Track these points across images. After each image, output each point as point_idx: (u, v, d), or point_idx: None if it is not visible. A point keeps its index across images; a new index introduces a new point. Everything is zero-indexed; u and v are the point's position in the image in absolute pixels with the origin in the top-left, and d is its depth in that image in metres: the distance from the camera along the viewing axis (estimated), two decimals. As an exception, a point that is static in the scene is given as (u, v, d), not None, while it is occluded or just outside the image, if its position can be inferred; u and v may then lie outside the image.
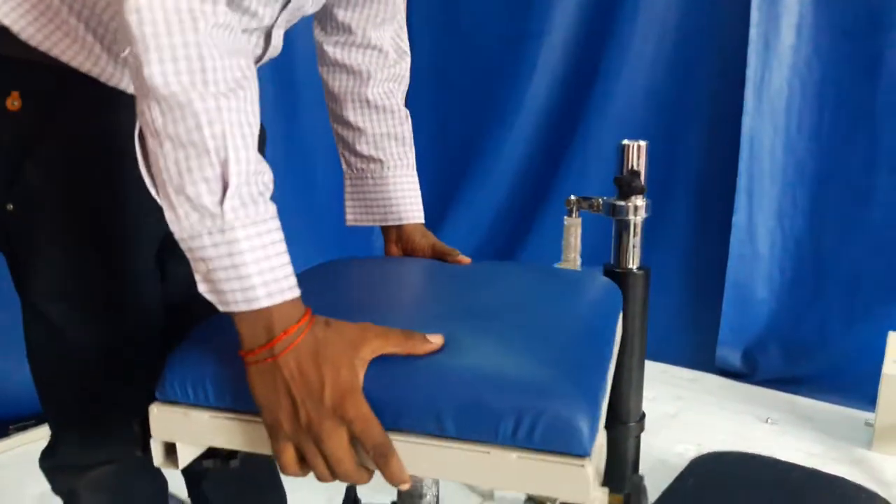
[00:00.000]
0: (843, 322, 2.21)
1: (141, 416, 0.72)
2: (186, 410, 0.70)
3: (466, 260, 0.99)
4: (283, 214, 0.66)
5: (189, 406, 0.70)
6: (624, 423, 1.27)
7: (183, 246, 0.63)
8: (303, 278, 0.66)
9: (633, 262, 1.21)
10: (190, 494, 1.15)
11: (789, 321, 2.31)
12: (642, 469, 1.33)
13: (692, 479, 1.53)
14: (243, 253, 0.61)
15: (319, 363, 0.62)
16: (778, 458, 1.61)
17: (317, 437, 0.62)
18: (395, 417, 0.64)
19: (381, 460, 0.63)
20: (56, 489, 0.94)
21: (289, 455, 0.65)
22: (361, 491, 0.87)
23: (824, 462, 1.82)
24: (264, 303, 0.62)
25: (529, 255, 2.71)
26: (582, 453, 0.61)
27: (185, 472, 1.12)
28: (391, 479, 0.64)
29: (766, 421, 2.07)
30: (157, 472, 1.01)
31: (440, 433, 0.63)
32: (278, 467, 0.66)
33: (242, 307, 0.62)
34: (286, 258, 0.65)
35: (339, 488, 0.85)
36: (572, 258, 1.28)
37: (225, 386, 0.69)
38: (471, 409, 0.62)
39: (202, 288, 0.63)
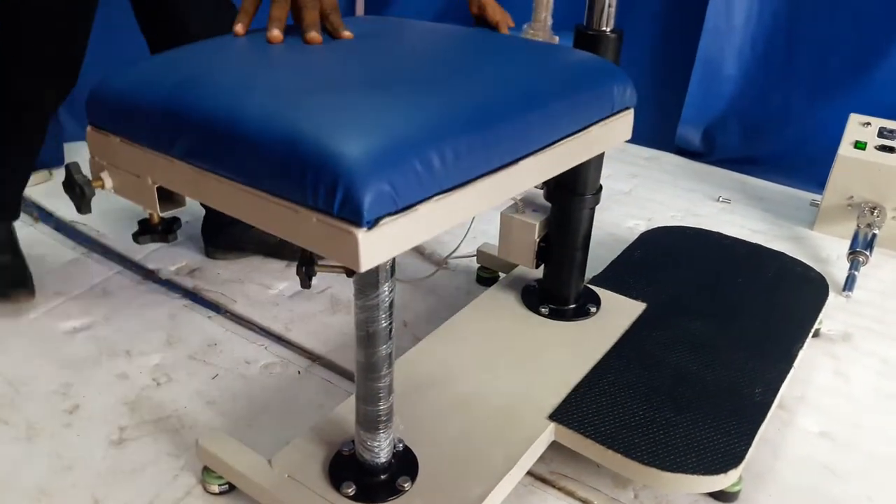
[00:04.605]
0: (806, 102, 2.18)
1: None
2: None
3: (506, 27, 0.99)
4: None
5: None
6: (580, 195, 1.26)
7: None
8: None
9: (607, 24, 1.13)
10: None
11: (753, 99, 2.28)
12: (593, 241, 1.34)
13: (639, 250, 1.57)
14: None
15: None
16: (724, 233, 1.65)
17: None
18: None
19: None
20: None
21: None
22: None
23: (768, 239, 1.89)
24: None
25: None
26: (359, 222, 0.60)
27: None
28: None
29: (718, 199, 2.10)
30: None
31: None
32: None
33: None
34: None
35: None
36: (543, 18, 1.18)
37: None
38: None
39: None
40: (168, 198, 0.76)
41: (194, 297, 1.55)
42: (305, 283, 0.87)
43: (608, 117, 0.89)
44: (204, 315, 1.49)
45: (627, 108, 0.92)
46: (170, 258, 1.68)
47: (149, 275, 1.62)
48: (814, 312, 1.37)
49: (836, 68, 2.12)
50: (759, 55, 2.23)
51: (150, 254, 1.69)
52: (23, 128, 1.39)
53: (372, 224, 0.58)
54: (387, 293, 0.86)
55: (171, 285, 1.59)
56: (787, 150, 2.23)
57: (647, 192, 2.14)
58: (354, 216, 0.57)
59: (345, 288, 1.59)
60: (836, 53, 2.11)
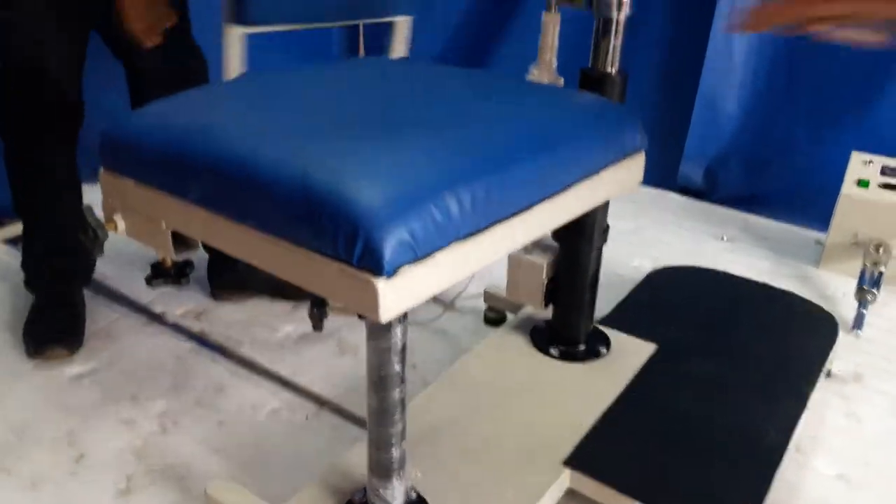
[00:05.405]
0: (807, 140, 2.20)
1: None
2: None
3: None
4: None
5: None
6: (588, 235, 1.26)
7: None
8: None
9: (612, 66, 1.14)
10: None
11: (755, 137, 2.29)
12: (600, 281, 1.34)
13: (647, 291, 1.57)
14: None
15: None
16: (730, 272, 1.65)
17: None
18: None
19: None
20: None
21: None
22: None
23: (774, 278, 1.88)
24: None
25: (501, 58, 2.56)
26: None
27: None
28: None
29: (722, 238, 2.11)
30: None
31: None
32: None
33: None
34: None
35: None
36: (548, 59, 1.20)
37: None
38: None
39: None
40: (181, 241, 0.75)
41: (201, 340, 1.54)
42: (318, 325, 0.87)
43: (621, 160, 0.89)
44: (210, 359, 1.48)
45: (639, 151, 0.93)
46: (176, 301, 1.67)
47: (155, 318, 1.62)
48: (824, 352, 1.36)
49: (836, 105, 2.14)
50: (760, 93, 2.25)
51: (157, 297, 1.68)
52: (55, 197, 1.49)
53: (392, 273, 0.58)
54: (399, 336, 0.85)
55: (177, 328, 1.58)
56: (789, 187, 2.24)
57: (650, 232, 2.14)
58: (375, 266, 0.57)
59: (353, 330, 1.58)
60: (836, 91, 2.13)
